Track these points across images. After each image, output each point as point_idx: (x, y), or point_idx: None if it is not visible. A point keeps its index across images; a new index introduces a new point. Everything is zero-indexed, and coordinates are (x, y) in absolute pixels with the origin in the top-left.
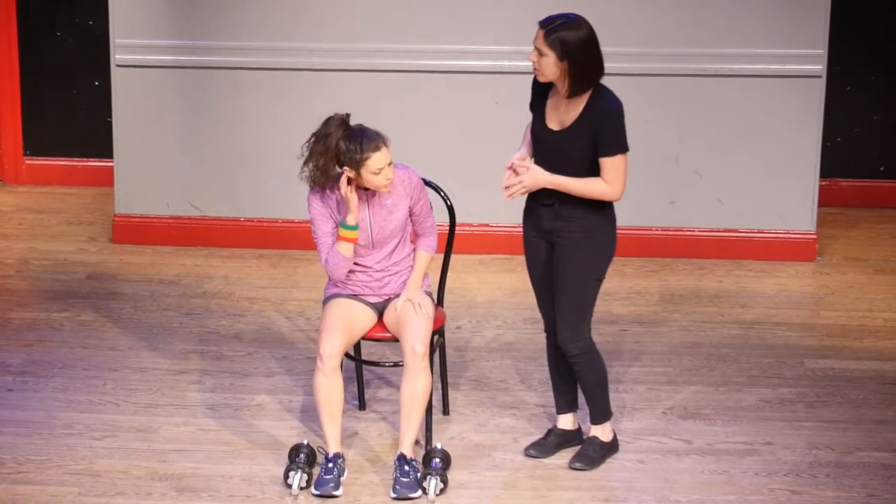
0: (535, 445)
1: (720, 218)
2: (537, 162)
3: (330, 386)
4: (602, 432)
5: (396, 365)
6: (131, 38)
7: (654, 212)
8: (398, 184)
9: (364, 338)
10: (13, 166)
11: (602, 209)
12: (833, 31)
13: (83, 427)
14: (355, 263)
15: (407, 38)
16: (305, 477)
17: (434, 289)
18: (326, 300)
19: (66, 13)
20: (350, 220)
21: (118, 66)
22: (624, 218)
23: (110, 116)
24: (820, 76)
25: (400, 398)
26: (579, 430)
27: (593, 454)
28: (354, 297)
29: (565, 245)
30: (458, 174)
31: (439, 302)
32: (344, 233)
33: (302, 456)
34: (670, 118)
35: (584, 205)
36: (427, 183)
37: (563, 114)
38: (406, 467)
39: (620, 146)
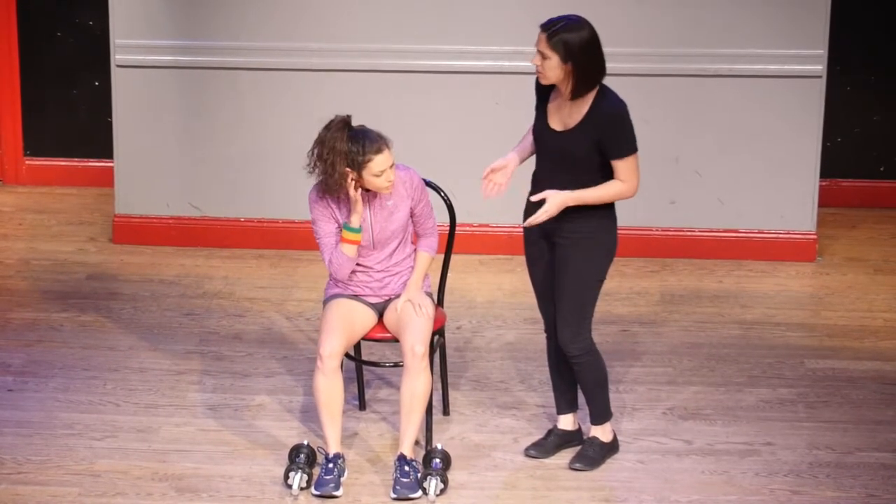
0: (535, 446)
1: (720, 218)
2: (540, 163)
3: (330, 386)
4: (602, 433)
5: (396, 365)
6: (131, 38)
7: (654, 212)
8: (399, 185)
9: (364, 338)
10: (13, 166)
11: (603, 209)
12: (833, 31)
13: (83, 427)
14: (357, 264)
15: (407, 38)
16: (305, 477)
17: (434, 289)
18: (326, 300)
19: (66, 13)
20: (354, 223)
21: (118, 66)
22: (624, 218)
23: (110, 116)
24: (820, 76)
25: (400, 398)
26: (579, 430)
27: (593, 454)
28: (355, 297)
29: (566, 245)
30: (458, 174)
31: (439, 302)
32: (347, 235)
33: (302, 456)
34: (670, 118)
35: (585, 205)
36: (427, 183)
37: (566, 115)
38: (406, 467)
39: (630, 147)
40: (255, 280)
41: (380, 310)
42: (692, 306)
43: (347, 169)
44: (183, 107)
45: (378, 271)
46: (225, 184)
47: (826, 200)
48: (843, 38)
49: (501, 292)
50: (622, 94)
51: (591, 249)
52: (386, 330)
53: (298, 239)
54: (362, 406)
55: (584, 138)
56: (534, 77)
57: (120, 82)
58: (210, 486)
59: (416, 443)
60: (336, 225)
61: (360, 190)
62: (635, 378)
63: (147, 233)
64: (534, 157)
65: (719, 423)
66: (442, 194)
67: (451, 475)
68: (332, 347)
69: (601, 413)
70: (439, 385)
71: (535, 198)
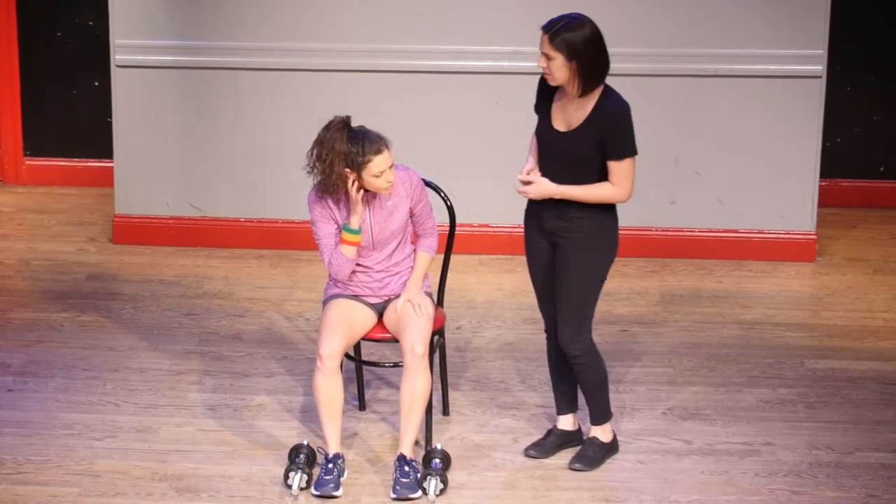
0: (535, 446)
1: (720, 218)
2: (543, 164)
3: (330, 386)
4: (602, 433)
5: (396, 365)
6: (131, 39)
7: (654, 212)
8: (399, 185)
9: (364, 338)
10: (13, 166)
11: (605, 210)
12: (833, 31)
13: (83, 427)
14: (356, 264)
15: (407, 38)
16: (305, 477)
17: (434, 289)
18: (326, 300)
19: (66, 13)
20: (354, 224)
21: (118, 66)
22: (624, 218)
23: (110, 116)
24: (820, 76)
25: (400, 398)
26: (579, 430)
27: (593, 455)
28: (354, 297)
29: (567, 245)
30: (458, 174)
31: (439, 302)
32: (347, 236)
33: (302, 456)
34: (670, 118)
35: (587, 205)
36: (427, 183)
37: (570, 115)
38: (406, 468)
39: (629, 149)
40: (255, 280)
41: (380, 310)
42: (692, 306)
43: (347, 170)
44: (183, 107)
45: (378, 271)
46: (225, 184)
47: (826, 200)
48: (843, 38)
49: (501, 292)
50: (622, 94)
51: (591, 250)
52: (386, 330)
53: (298, 239)
54: (362, 406)
55: (588, 138)
56: (534, 77)
57: (120, 82)
58: (210, 486)
59: (416, 443)
60: (335, 226)
61: (361, 192)
62: (635, 378)
63: (147, 233)
64: None
65: (719, 424)
66: (442, 194)
67: (451, 475)
68: (332, 348)
69: (601, 413)
70: (439, 385)
71: (522, 177)
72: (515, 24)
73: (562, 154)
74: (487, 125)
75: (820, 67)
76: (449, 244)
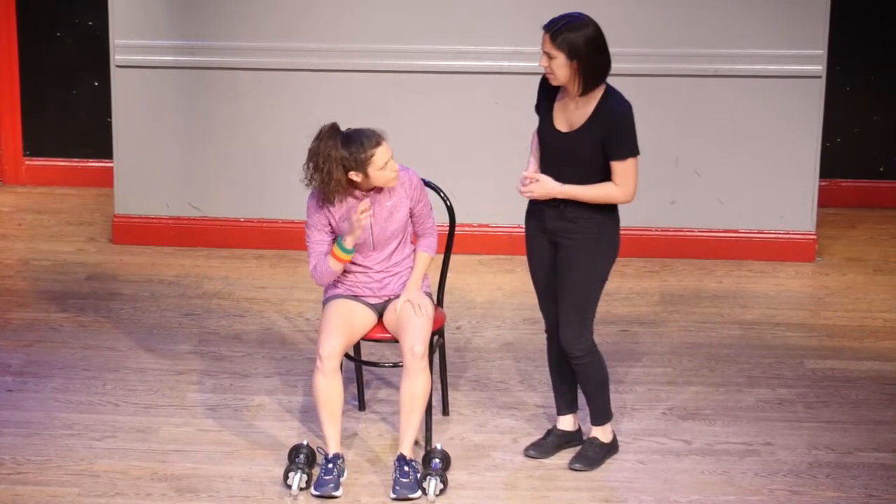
0: (534, 446)
1: (720, 218)
2: (545, 164)
3: (329, 386)
4: (602, 433)
5: (396, 365)
6: (131, 39)
7: (654, 212)
8: (399, 185)
9: (364, 338)
10: (13, 166)
11: (606, 210)
12: (833, 31)
13: (83, 427)
14: (356, 264)
15: (406, 38)
16: (305, 477)
17: (434, 289)
18: (326, 301)
19: (66, 13)
20: (348, 244)
21: (118, 66)
22: (624, 218)
23: (110, 117)
24: (820, 76)
25: (399, 399)
26: (579, 430)
27: (593, 455)
28: (354, 297)
29: (569, 246)
30: (458, 174)
31: (439, 302)
32: (339, 253)
33: (301, 456)
34: (670, 118)
35: (588, 205)
36: (427, 183)
37: (572, 115)
38: (406, 468)
39: (631, 149)
40: (255, 280)
41: (379, 310)
42: (692, 306)
43: (352, 172)
44: (183, 107)
45: (377, 272)
46: (225, 184)
47: (826, 200)
48: (843, 38)
49: (501, 292)
50: (623, 94)
51: (593, 250)
52: (385, 330)
53: (298, 239)
54: (362, 406)
55: (590, 138)
56: (534, 77)
57: (120, 82)
58: (210, 487)
59: (416, 443)
60: (329, 235)
61: (367, 214)
62: (635, 378)
63: (147, 233)
64: None
65: (719, 424)
66: (441, 194)
67: (451, 475)
68: (332, 348)
69: (601, 414)
70: (439, 385)
71: (527, 174)
72: (515, 24)
73: (564, 154)
74: (487, 125)
75: (820, 67)
76: (449, 244)
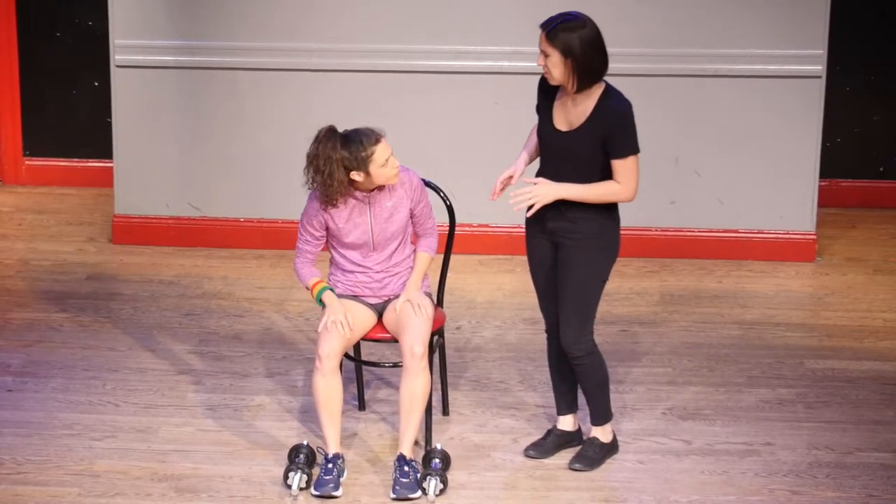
0: (534, 446)
1: (720, 218)
2: (544, 164)
3: (329, 386)
4: (602, 433)
5: (396, 365)
6: (131, 39)
7: (654, 212)
8: (399, 186)
9: (364, 338)
10: (13, 166)
11: (607, 210)
12: (833, 31)
13: (83, 427)
14: (356, 264)
15: (406, 38)
16: (305, 477)
17: (434, 289)
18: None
19: (66, 13)
20: (324, 296)
21: (118, 66)
22: (624, 218)
23: (110, 117)
24: (820, 76)
25: (399, 399)
26: (579, 430)
27: (593, 455)
28: (354, 297)
29: (570, 246)
30: (458, 174)
31: (439, 302)
32: (314, 294)
33: (301, 456)
34: (670, 118)
35: (588, 205)
36: (427, 183)
37: (571, 114)
38: (406, 468)
39: (632, 147)
40: (255, 280)
41: (379, 310)
42: (692, 306)
43: (353, 173)
44: (183, 107)
45: (378, 272)
46: (225, 184)
47: (826, 201)
48: (843, 38)
49: (501, 292)
50: (623, 94)
51: (593, 250)
52: (385, 330)
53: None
54: (362, 406)
55: (590, 137)
56: (534, 77)
57: (119, 82)
58: (210, 487)
59: (416, 443)
60: (321, 239)
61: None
62: (635, 378)
63: (146, 233)
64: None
65: (719, 424)
66: (441, 194)
67: (451, 475)
68: (331, 348)
69: (602, 414)
70: (439, 385)
71: (528, 179)
72: (515, 24)
73: (563, 154)
74: (487, 125)
75: (820, 67)
76: (449, 244)
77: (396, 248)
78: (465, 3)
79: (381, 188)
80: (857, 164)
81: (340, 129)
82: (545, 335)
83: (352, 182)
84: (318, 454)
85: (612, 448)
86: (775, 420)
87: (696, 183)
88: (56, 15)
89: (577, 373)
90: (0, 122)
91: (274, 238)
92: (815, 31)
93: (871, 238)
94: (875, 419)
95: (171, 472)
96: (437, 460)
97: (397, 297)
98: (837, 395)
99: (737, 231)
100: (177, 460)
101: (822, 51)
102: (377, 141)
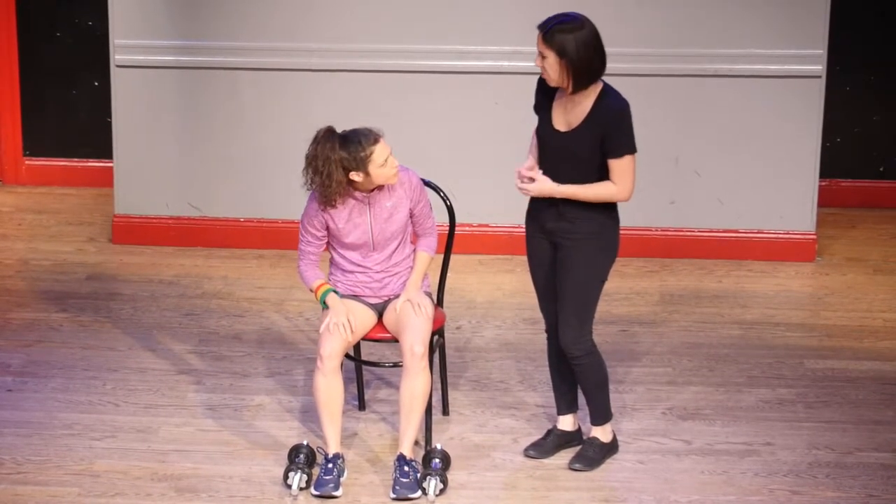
0: (534, 446)
1: (720, 218)
2: (544, 164)
3: (329, 386)
4: (602, 433)
5: (396, 365)
6: (131, 39)
7: (654, 212)
8: (398, 185)
9: (364, 338)
10: (13, 166)
11: (606, 210)
12: (833, 31)
13: (83, 427)
14: (356, 264)
15: (406, 38)
16: (305, 477)
17: (434, 289)
18: None
19: (66, 13)
20: (328, 298)
21: (118, 66)
22: (624, 218)
23: (110, 117)
24: (820, 76)
25: (399, 398)
26: (579, 430)
27: (593, 455)
28: (354, 297)
29: (569, 246)
30: (458, 174)
31: (439, 302)
32: (318, 296)
33: (301, 456)
34: (670, 118)
35: (588, 205)
36: (427, 183)
37: (570, 115)
38: (406, 468)
39: (628, 147)
40: (255, 280)
41: (379, 310)
42: (692, 306)
43: (353, 173)
44: (183, 107)
45: (378, 272)
46: (225, 184)
47: (825, 200)
48: (843, 38)
49: (501, 292)
50: (621, 94)
51: (594, 250)
52: (385, 330)
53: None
54: (362, 406)
55: (588, 137)
56: (533, 77)
57: (119, 82)
58: (210, 487)
59: (416, 443)
60: (323, 239)
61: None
62: (635, 378)
63: (146, 233)
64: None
65: (719, 423)
66: (441, 194)
67: (451, 475)
68: (332, 348)
69: (601, 414)
70: (439, 385)
71: (525, 172)
72: (515, 24)
73: (562, 153)
74: (487, 125)
75: (820, 67)
76: (449, 244)
77: (396, 248)
78: (465, 3)
79: (380, 188)
80: (857, 163)
81: (340, 130)
82: (545, 335)
83: (351, 182)
84: (318, 454)
85: (612, 448)
86: (775, 420)
87: (696, 183)
88: (56, 15)
89: (576, 373)
90: (0, 122)
91: (274, 238)
92: (815, 31)
93: (871, 238)
94: (875, 419)
95: (171, 472)
96: (437, 460)
97: (397, 296)
98: (837, 395)
99: (737, 231)
100: (177, 460)
101: (822, 51)
102: (376, 141)
